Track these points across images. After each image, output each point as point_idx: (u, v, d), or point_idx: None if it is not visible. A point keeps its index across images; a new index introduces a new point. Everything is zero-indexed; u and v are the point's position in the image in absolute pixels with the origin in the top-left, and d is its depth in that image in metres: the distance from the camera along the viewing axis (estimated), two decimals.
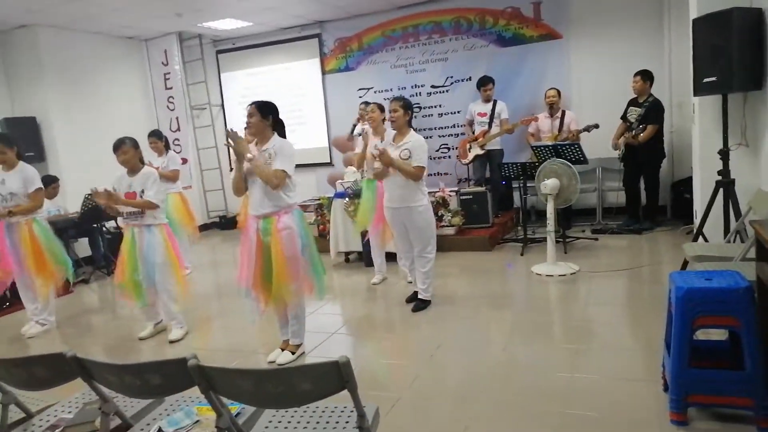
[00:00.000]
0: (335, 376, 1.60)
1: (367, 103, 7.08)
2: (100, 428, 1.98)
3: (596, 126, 6.14)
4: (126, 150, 4.10)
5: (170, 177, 6.01)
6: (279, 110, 3.54)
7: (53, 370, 1.93)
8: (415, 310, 4.32)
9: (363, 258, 5.95)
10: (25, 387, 2.07)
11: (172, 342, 4.21)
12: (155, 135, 6.35)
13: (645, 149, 6.00)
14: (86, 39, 7.62)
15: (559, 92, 6.57)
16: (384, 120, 4.78)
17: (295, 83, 8.67)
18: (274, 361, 3.62)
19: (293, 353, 3.66)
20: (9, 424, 2.14)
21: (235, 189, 3.56)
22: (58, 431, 2.08)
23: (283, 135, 3.53)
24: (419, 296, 4.39)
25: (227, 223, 9.00)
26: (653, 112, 5.98)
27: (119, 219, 7.37)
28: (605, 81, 6.84)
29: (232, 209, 9.13)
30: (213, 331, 4.62)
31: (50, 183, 6.43)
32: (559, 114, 6.54)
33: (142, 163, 4.26)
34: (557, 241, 5.20)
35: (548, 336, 3.81)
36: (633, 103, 6.16)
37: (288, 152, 3.41)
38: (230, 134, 3.34)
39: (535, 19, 7.16)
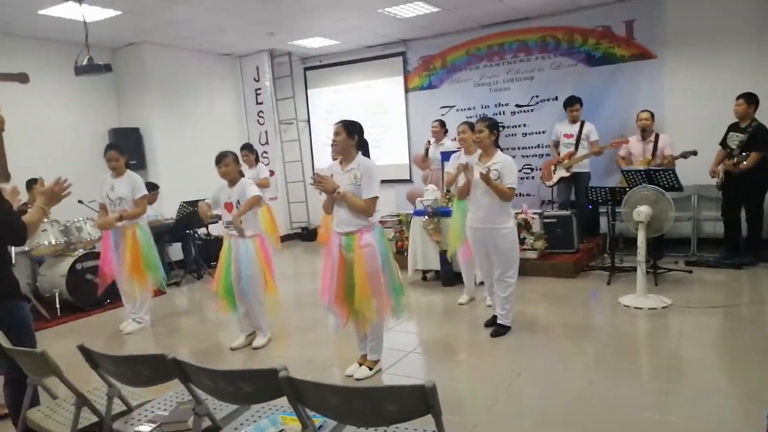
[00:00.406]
0: (421, 400, 1.60)
1: (441, 123, 7.19)
2: (192, 428, 2.08)
3: (694, 153, 5.82)
4: (228, 163, 4.30)
5: (263, 184, 6.37)
6: (364, 129, 3.61)
7: (155, 369, 2.06)
8: (494, 335, 4.25)
9: (441, 277, 5.92)
10: (128, 383, 2.21)
11: (255, 348, 4.36)
12: (247, 148, 6.69)
13: (747, 177, 5.60)
14: (186, 56, 8.14)
15: (652, 115, 6.29)
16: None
17: (377, 100, 8.84)
18: (351, 375, 3.66)
19: (370, 369, 3.69)
20: (112, 415, 2.29)
21: (325, 209, 3.68)
22: (155, 426, 2.21)
23: (366, 154, 3.60)
24: (498, 321, 4.31)
25: (309, 235, 9.25)
26: (757, 138, 5.58)
27: (217, 227, 7.82)
28: (702, 104, 6.49)
29: (314, 221, 9.38)
30: (292, 341, 4.73)
31: (151, 190, 6.86)
32: (652, 138, 6.25)
33: (242, 175, 4.44)
34: (647, 272, 4.94)
35: (635, 372, 3.62)
36: (734, 128, 5.79)
37: (375, 176, 3.47)
38: (316, 178, 3.47)
39: (627, 38, 6.92)
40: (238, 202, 4.25)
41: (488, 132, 4.14)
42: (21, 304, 2.68)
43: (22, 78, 6.71)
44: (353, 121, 3.58)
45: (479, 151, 4.35)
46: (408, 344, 4.33)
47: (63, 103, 7.15)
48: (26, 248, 5.62)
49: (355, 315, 3.55)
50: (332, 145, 3.63)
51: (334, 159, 3.79)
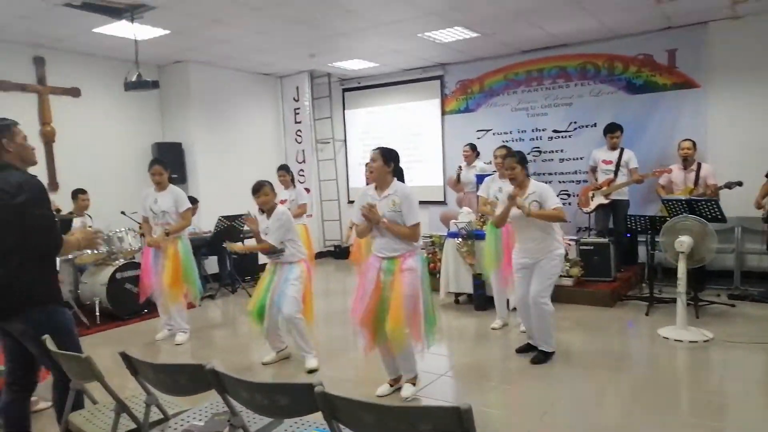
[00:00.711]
0: (456, 422, 1.58)
1: (472, 146, 7.24)
2: None
3: (739, 183, 5.68)
4: (267, 192, 4.31)
5: (300, 213, 6.48)
6: (400, 157, 3.65)
7: (193, 379, 2.09)
8: (534, 361, 4.15)
9: (474, 300, 5.87)
10: (166, 391, 2.25)
11: (310, 372, 4.22)
12: (284, 169, 6.77)
13: None
14: (229, 75, 8.37)
15: (694, 144, 6.17)
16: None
17: (413, 122, 8.90)
18: (382, 396, 3.64)
19: (414, 384, 3.70)
20: (149, 423, 2.34)
21: (360, 234, 3.73)
22: None
23: (402, 180, 3.64)
24: (541, 348, 4.20)
25: (341, 253, 9.30)
26: None
27: (253, 242, 7.95)
28: (747, 134, 6.36)
29: (347, 239, 9.45)
30: (321, 359, 4.69)
31: (192, 204, 7.05)
32: (694, 167, 6.12)
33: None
34: (688, 304, 4.80)
35: (674, 407, 3.50)
36: None
37: (415, 202, 3.51)
38: (364, 210, 3.50)
39: (669, 66, 6.84)
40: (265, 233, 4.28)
41: (520, 168, 4.13)
42: (61, 309, 2.75)
43: (74, 92, 7.05)
44: (390, 149, 3.62)
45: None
46: (439, 367, 4.29)
47: (111, 117, 7.42)
48: (70, 256, 5.81)
49: (384, 338, 3.52)
50: (368, 171, 3.64)
51: (368, 184, 3.84)
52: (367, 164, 5.66)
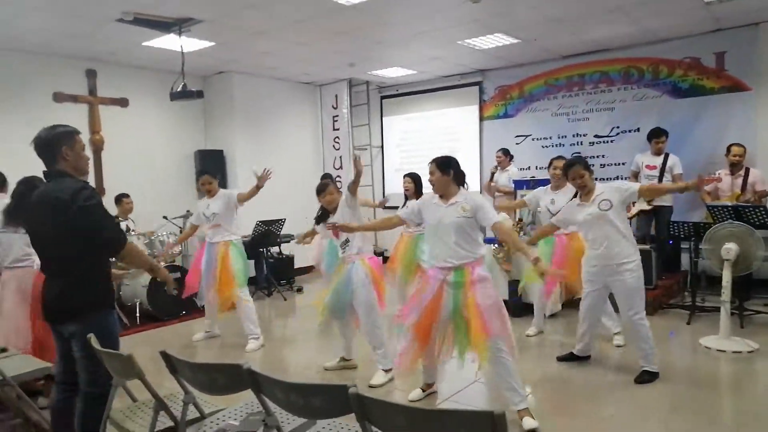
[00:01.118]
0: (489, 427, 1.59)
1: (505, 151, 7.30)
2: None
3: None
4: (332, 191, 4.39)
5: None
6: (458, 161, 3.54)
7: (230, 378, 2.15)
8: (638, 381, 3.90)
9: (509, 307, 5.79)
10: (204, 390, 2.32)
11: (371, 387, 4.04)
12: (327, 177, 6.79)
13: None
14: (270, 84, 8.55)
15: (745, 149, 5.95)
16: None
17: (451, 128, 8.88)
18: (414, 400, 3.65)
19: (533, 417, 3.33)
20: (186, 421, 2.41)
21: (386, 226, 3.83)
22: None
23: (463, 183, 3.52)
24: (645, 368, 3.96)
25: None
26: None
27: (289, 247, 8.05)
28: None
29: (381, 245, 9.48)
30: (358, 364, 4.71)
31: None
32: (742, 172, 5.91)
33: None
34: (732, 313, 4.64)
35: (717, 418, 3.40)
36: None
37: (487, 204, 3.43)
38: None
39: (717, 69, 6.63)
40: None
41: (589, 174, 3.97)
42: (112, 313, 2.85)
43: (123, 102, 7.34)
44: (444, 157, 3.53)
45: (568, 186, 4.30)
46: (472, 373, 4.25)
47: (156, 125, 7.68)
48: (112, 258, 6.01)
49: (463, 348, 3.36)
50: (431, 184, 3.52)
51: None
52: (404, 176, 5.72)
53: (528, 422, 3.24)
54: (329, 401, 1.88)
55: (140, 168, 7.32)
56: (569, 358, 4.28)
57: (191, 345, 5.32)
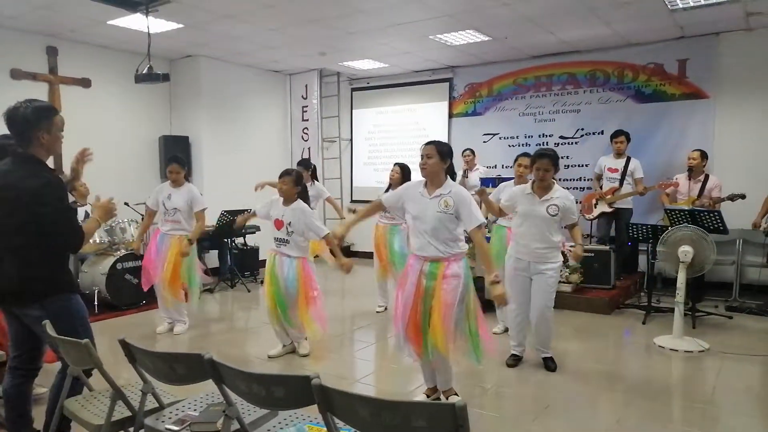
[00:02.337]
0: (451, 419, 1.60)
1: (472, 151, 7.37)
2: (221, 429, 2.12)
3: (742, 196, 5.68)
4: (286, 181, 4.29)
5: (333, 203, 6.56)
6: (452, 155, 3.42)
7: (191, 368, 2.12)
8: (551, 369, 4.13)
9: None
10: (163, 379, 2.27)
11: (302, 356, 4.46)
12: (303, 164, 6.67)
13: None
14: (238, 70, 8.41)
15: (703, 155, 6.15)
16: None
17: (420, 124, 8.92)
18: None
19: (457, 394, 3.53)
20: (145, 411, 2.36)
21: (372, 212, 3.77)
22: (185, 425, 2.26)
23: (453, 177, 3.42)
24: (545, 355, 4.19)
25: (342, 252, 9.30)
26: None
27: (253, 238, 7.96)
28: (753, 148, 6.36)
29: (348, 239, 9.46)
30: (326, 358, 4.67)
31: None
32: (701, 177, 6.11)
33: (301, 197, 4.42)
34: (685, 314, 4.81)
35: (666, 415, 3.52)
36: None
37: (474, 203, 3.29)
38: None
39: (679, 76, 6.84)
40: (290, 224, 4.27)
41: (554, 171, 3.98)
42: (76, 297, 2.76)
43: (85, 83, 7.10)
44: (445, 143, 3.39)
45: (530, 182, 4.27)
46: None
47: (119, 108, 7.47)
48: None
49: (429, 348, 3.30)
50: (421, 167, 3.35)
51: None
52: (394, 165, 5.69)
53: (454, 398, 3.40)
54: (291, 392, 1.87)
55: (102, 152, 6.97)
56: (517, 362, 4.28)
57: (151, 336, 5.20)
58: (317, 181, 6.77)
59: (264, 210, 4.50)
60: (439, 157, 3.26)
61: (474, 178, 7.23)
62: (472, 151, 7.44)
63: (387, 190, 5.66)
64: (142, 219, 6.09)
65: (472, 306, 3.32)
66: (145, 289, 5.35)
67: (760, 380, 4.10)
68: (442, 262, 3.25)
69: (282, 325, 4.46)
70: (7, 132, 2.63)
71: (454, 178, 3.42)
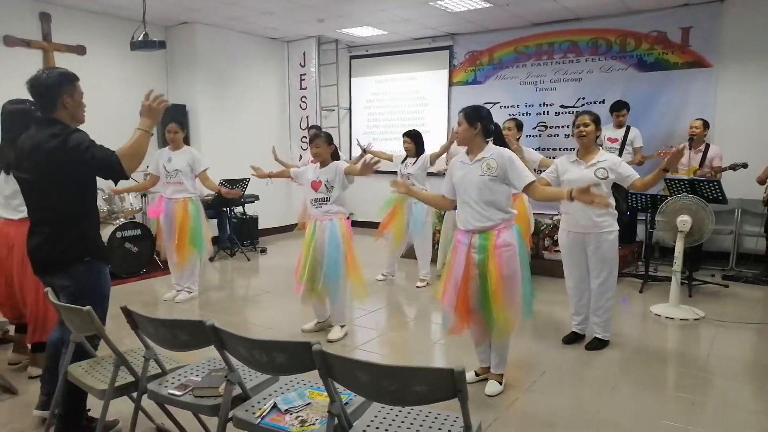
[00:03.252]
0: (449, 384, 1.64)
1: (514, 123, 7.10)
2: (223, 394, 2.17)
3: (744, 165, 5.67)
4: (319, 144, 4.11)
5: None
6: (491, 115, 3.23)
7: (193, 335, 2.15)
8: (589, 348, 3.99)
9: None
10: (166, 346, 2.31)
11: (330, 341, 4.16)
12: (315, 128, 6.60)
13: None
14: (236, 37, 8.28)
15: (705, 124, 6.10)
16: (518, 139, 4.59)
17: (420, 92, 8.83)
18: (468, 382, 3.33)
19: (500, 383, 3.34)
20: (148, 377, 2.40)
21: (436, 205, 3.65)
22: (188, 391, 2.30)
23: (500, 141, 3.25)
24: (597, 335, 4.03)
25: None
26: None
27: (252, 207, 7.94)
28: (755, 117, 6.32)
29: (348, 207, 9.48)
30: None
31: None
32: (702, 147, 6.08)
33: (335, 157, 4.29)
34: (682, 283, 4.86)
35: (660, 381, 3.59)
36: None
37: (519, 162, 3.12)
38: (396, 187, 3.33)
39: (682, 44, 6.75)
40: (327, 180, 4.07)
41: (594, 127, 3.76)
42: (105, 270, 2.72)
43: (80, 50, 6.99)
44: (475, 107, 3.21)
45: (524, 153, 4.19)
46: (436, 335, 4.36)
47: (116, 76, 7.36)
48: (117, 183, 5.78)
49: (485, 324, 3.17)
50: (456, 135, 3.24)
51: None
52: (403, 135, 5.66)
53: (493, 385, 3.30)
54: (292, 358, 1.91)
55: (98, 121, 6.95)
56: (574, 338, 4.09)
57: (151, 303, 5.26)
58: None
59: (297, 174, 4.33)
60: (468, 123, 3.14)
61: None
62: (515, 123, 6.97)
63: (404, 160, 5.65)
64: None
65: (528, 272, 3.20)
66: (165, 256, 5.34)
67: (753, 348, 4.16)
68: (491, 231, 3.09)
69: (322, 299, 4.25)
70: (18, 97, 2.60)
71: (500, 140, 3.23)
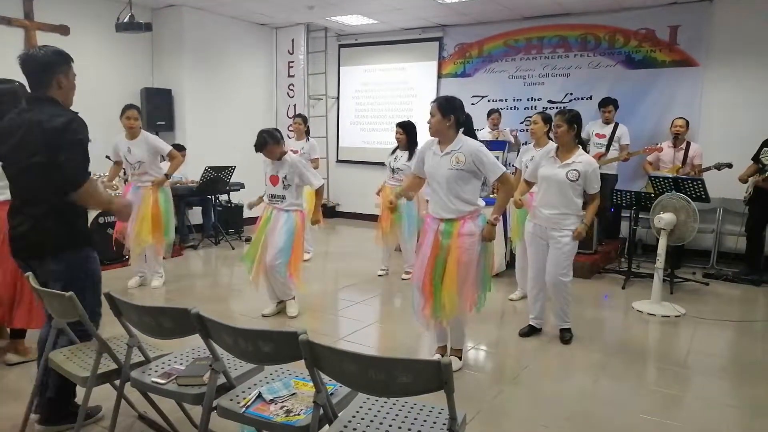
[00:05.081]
0: (436, 375, 1.64)
1: (498, 112, 7.18)
2: (207, 383, 2.15)
3: (729, 165, 5.76)
4: (270, 149, 4.23)
5: (314, 168, 6.36)
6: (464, 106, 3.27)
7: (177, 322, 2.12)
8: (566, 341, 4.04)
9: None
10: (149, 333, 2.27)
11: (291, 317, 4.46)
12: (301, 117, 6.58)
13: None
14: (223, 22, 8.17)
15: (687, 123, 6.19)
16: (547, 132, 4.54)
17: (409, 83, 8.80)
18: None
19: (460, 358, 3.52)
20: (131, 364, 2.37)
21: (402, 194, 3.71)
22: (171, 380, 2.27)
23: (470, 133, 3.28)
24: (562, 326, 4.09)
25: (326, 212, 9.30)
26: None
27: (237, 195, 7.88)
28: (740, 117, 6.39)
29: (333, 198, 9.46)
30: (317, 318, 4.69)
31: (179, 151, 6.94)
32: (683, 146, 6.17)
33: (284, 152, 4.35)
34: (664, 280, 4.92)
35: (640, 375, 3.64)
36: None
37: (489, 155, 3.18)
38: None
39: (670, 43, 6.80)
40: (285, 177, 4.22)
41: (567, 127, 3.78)
42: (94, 256, 2.68)
43: (63, 30, 6.85)
44: (448, 98, 3.25)
45: (550, 144, 4.15)
46: (420, 327, 4.36)
47: (99, 58, 7.23)
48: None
49: (438, 305, 3.26)
50: (428, 126, 3.26)
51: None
52: (396, 126, 5.58)
53: (454, 361, 3.30)
54: (278, 347, 1.89)
55: (81, 103, 6.80)
56: (530, 332, 4.15)
57: (126, 292, 5.16)
58: (310, 138, 6.68)
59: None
60: (441, 114, 3.16)
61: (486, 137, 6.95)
62: (499, 112, 7.23)
63: (393, 152, 5.61)
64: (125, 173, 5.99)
65: (489, 263, 3.32)
66: (123, 241, 5.27)
67: (732, 345, 4.23)
68: (458, 221, 3.20)
69: (267, 279, 4.41)
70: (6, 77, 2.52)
71: (471, 131, 3.29)
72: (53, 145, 2.39)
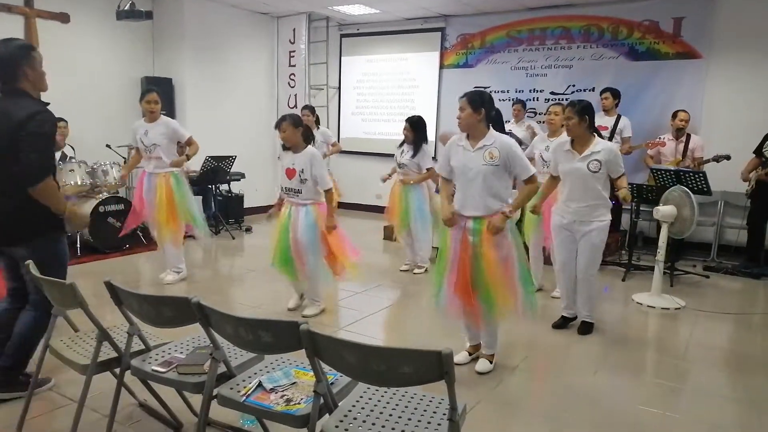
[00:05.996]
0: (436, 365, 1.63)
1: (521, 103, 7.10)
2: (207, 372, 2.15)
3: (727, 157, 5.73)
4: (284, 128, 3.98)
5: (336, 150, 6.62)
6: (493, 101, 3.20)
7: (178, 311, 2.12)
8: (582, 332, 4.03)
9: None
10: (150, 322, 2.27)
11: (305, 317, 4.21)
12: (308, 108, 6.55)
13: None
14: (224, 11, 8.12)
15: (689, 116, 6.15)
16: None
17: (410, 74, 8.75)
18: (460, 364, 3.40)
19: (491, 362, 3.41)
20: (131, 353, 2.37)
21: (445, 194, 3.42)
22: (172, 368, 2.28)
23: (500, 127, 3.25)
24: (586, 320, 4.06)
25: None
26: None
27: (237, 185, 7.87)
28: (742, 110, 6.36)
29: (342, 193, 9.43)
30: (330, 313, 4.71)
31: None
32: (683, 138, 6.14)
33: (307, 142, 4.12)
34: (664, 273, 4.92)
35: (640, 367, 3.65)
36: None
37: (521, 153, 3.15)
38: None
39: (674, 35, 6.75)
40: (302, 171, 3.98)
41: (577, 120, 3.69)
42: (62, 238, 2.83)
43: (63, 18, 6.80)
44: (478, 92, 3.18)
45: (563, 135, 4.10)
46: (422, 317, 4.37)
47: (100, 46, 7.20)
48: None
49: (488, 305, 3.18)
50: (457, 122, 3.19)
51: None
52: (406, 121, 5.44)
53: (484, 363, 3.38)
54: (279, 337, 1.89)
55: (82, 92, 6.86)
56: (564, 324, 4.13)
57: (134, 280, 5.20)
58: (320, 126, 6.72)
59: (282, 154, 4.23)
60: (472, 108, 3.09)
61: (519, 133, 6.78)
62: (522, 104, 7.05)
63: (401, 145, 5.55)
64: (125, 162, 5.98)
65: (524, 261, 3.26)
66: (128, 229, 5.25)
67: (731, 337, 4.23)
68: (486, 218, 3.12)
69: (296, 278, 4.28)
70: None
71: (501, 126, 3.24)
72: (15, 138, 2.47)
